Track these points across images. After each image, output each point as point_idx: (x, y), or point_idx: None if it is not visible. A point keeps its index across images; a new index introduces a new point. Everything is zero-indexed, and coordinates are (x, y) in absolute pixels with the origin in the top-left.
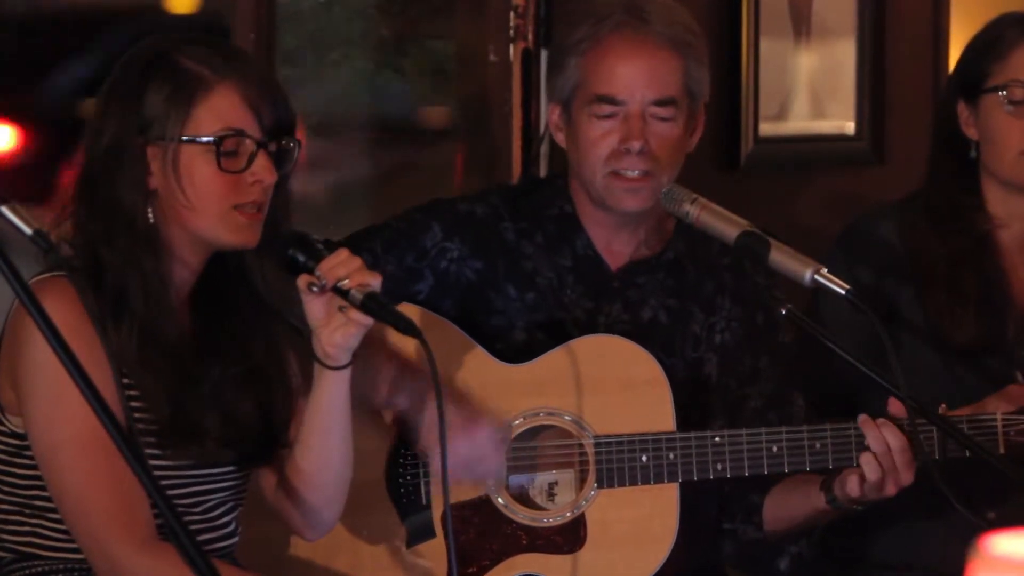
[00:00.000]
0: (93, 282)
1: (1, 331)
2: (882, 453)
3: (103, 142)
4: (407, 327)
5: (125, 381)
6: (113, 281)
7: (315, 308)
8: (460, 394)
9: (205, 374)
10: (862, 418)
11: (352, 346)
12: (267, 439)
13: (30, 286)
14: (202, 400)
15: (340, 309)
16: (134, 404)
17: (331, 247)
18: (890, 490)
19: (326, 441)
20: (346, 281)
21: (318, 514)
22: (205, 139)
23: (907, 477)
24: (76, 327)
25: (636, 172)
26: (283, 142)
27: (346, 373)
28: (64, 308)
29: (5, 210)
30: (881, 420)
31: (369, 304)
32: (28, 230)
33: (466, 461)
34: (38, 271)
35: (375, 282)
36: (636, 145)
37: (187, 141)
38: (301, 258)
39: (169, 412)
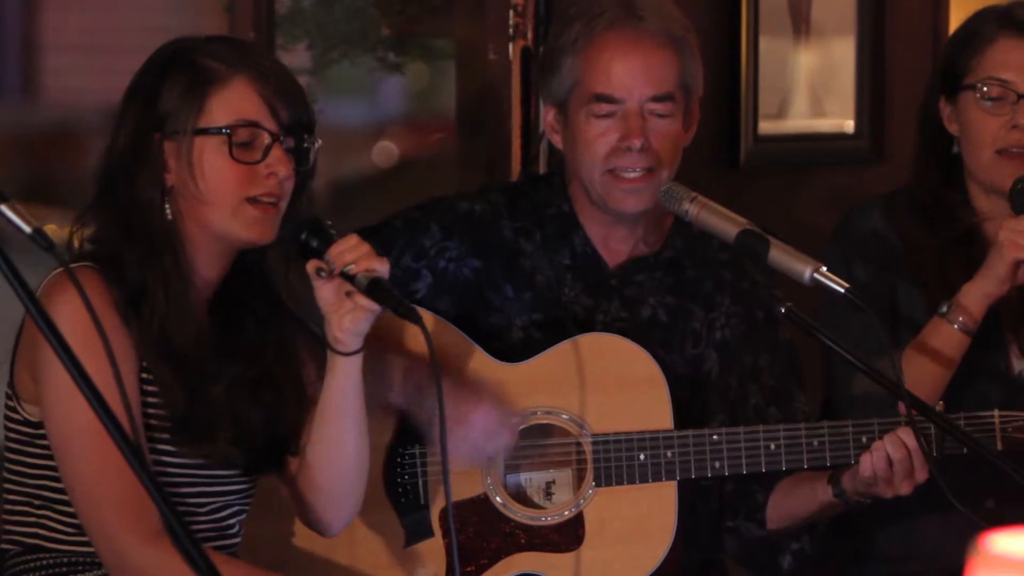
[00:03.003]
0: (115, 277)
1: (21, 321)
2: (882, 468)
3: (121, 140)
4: (408, 313)
5: (144, 376)
6: (133, 277)
7: (324, 293)
8: (465, 384)
9: (219, 375)
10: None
11: (361, 331)
12: (275, 446)
13: (55, 276)
14: (215, 400)
15: (347, 294)
16: (151, 399)
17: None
18: (886, 492)
19: (340, 430)
20: (352, 266)
21: (336, 507)
22: (216, 129)
23: (906, 487)
24: (101, 315)
25: (637, 171)
26: (301, 138)
27: (357, 360)
28: (91, 296)
29: (4, 208)
30: (876, 444)
31: (374, 289)
32: (27, 228)
33: (475, 443)
34: (59, 264)
35: (382, 268)
36: (637, 143)
37: (200, 132)
38: (313, 243)
39: (184, 408)
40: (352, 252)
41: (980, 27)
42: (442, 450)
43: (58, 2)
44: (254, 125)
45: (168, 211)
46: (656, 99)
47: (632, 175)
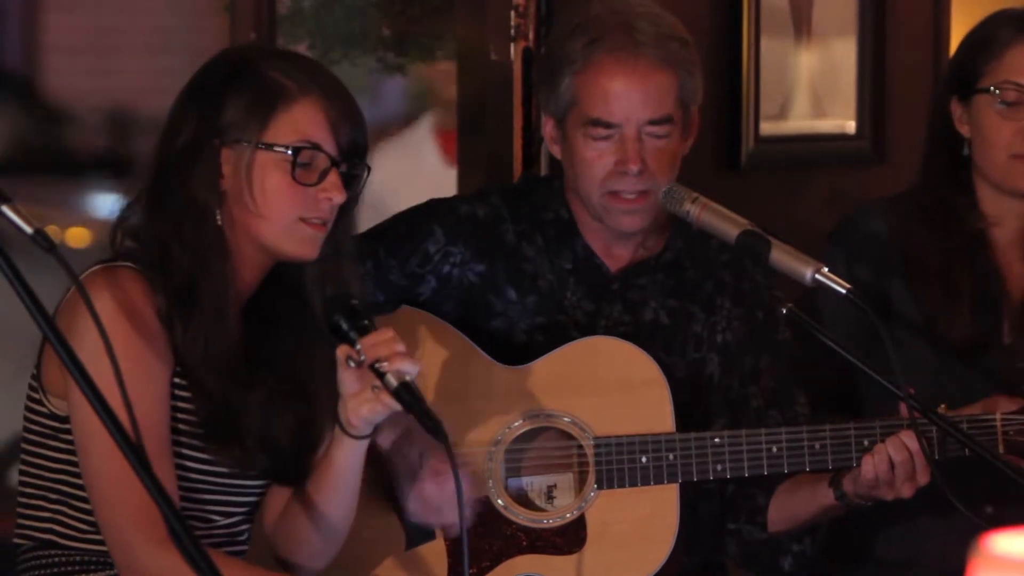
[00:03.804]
0: (160, 279)
1: (52, 315)
2: (883, 471)
3: (179, 141)
4: (433, 426)
5: (176, 380)
6: (182, 279)
7: (348, 379)
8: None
9: (253, 383)
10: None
11: (376, 421)
12: (300, 456)
13: (88, 276)
14: (248, 408)
15: (373, 388)
16: (182, 404)
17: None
18: (887, 495)
19: (332, 502)
20: (385, 364)
21: (307, 562)
22: (282, 148)
23: (907, 490)
24: (141, 317)
25: (634, 193)
26: (355, 164)
27: (364, 443)
28: (131, 297)
29: (6, 209)
30: (878, 447)
31: (401, 393)
32: (29, 229)
33: (436, 507)
34: (104, 259)
35: (413, 370)
36: (634, 168)
37: (264, 147)
38: (344, 326)
39: (216, 414)
40: (386, 348)
41: (995, 31)
42: (455, 475)
43: (60, 3)
44: (316, 148)
45: (219, 217)
46: (653, 122)
47: (630, 196)
